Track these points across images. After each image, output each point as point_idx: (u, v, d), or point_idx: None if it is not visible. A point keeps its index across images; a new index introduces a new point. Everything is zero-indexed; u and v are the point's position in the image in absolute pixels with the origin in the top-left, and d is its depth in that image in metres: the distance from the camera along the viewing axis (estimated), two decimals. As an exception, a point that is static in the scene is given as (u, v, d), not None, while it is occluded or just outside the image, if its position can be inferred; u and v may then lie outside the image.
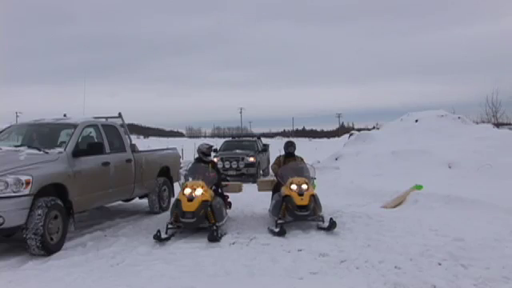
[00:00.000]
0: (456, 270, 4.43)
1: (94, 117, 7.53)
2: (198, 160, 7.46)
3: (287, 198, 6.50)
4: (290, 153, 7.73)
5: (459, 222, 6.64)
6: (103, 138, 6.89)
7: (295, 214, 6.38)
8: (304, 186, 6.61)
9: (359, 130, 35.28)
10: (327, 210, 7.38)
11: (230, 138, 18.54)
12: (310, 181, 7.00)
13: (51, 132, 6.78)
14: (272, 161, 8.63)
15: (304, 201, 6.40)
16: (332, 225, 6.25)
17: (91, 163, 6.31)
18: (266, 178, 11.19)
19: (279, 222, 6.43)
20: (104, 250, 5.51)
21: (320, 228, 6.43)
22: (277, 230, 6.23)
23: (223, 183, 7.45)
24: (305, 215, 6.39)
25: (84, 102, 8.61)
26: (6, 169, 5.11)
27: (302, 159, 7.76)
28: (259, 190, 8.06)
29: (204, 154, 7.37)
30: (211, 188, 6.65)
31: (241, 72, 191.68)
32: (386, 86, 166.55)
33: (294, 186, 6.61)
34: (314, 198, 6.59)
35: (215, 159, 12.34)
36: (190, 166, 7.21)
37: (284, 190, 6.72)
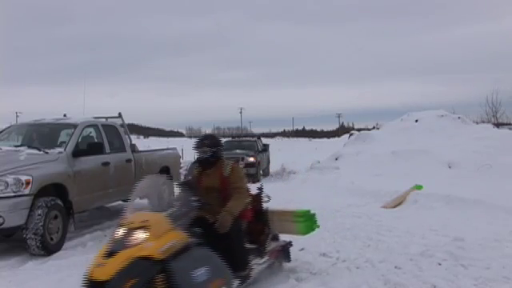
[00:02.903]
0: (456, 270, 4.42)
1: (94, 117, 7.53)
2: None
3: None
4: (203, 160, 4.01)
5: (459, 222, 6.63)
6: (103, 138, 6.88)
7: None
8: (138, 236, 2.93)
9: (359, 129, 35.18)
10: (328, 208, 7.33)
11: (230, 138, 18.56)
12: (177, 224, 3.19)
13: (51, 132, 6.78)
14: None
15: (104, 272, 2.72)
16: None
17: (91, 163, 6.30)
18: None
19: None
20: (104, 250, 5.51)
21: None
22: None
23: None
24: None
25: (84, 102, 8.64)
26: (5, 169, 5.12)
27: (239, 170, 4.10)
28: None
29: None
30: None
31: (241, 72, 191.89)
32: (385, 86, 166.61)
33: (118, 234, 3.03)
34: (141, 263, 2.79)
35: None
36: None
37: None
